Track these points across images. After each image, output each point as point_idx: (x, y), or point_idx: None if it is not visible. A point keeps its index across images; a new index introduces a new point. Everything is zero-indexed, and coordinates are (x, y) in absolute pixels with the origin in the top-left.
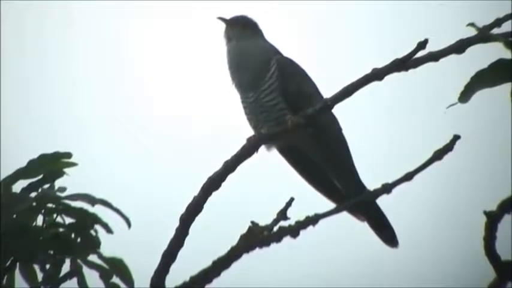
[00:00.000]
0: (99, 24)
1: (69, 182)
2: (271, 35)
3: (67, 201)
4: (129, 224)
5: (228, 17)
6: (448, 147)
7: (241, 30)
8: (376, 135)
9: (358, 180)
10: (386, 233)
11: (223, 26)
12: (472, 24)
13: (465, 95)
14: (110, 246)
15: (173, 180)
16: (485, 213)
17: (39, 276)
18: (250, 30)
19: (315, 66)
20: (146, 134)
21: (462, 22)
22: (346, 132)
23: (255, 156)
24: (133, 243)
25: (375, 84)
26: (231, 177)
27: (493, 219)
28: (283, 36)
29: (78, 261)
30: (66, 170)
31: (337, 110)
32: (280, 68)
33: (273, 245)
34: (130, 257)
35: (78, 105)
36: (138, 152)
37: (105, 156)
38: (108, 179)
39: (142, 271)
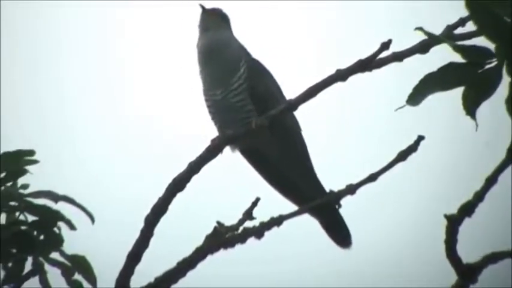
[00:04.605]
0: (87, 22)
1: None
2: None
3: (30, 199)
4: (92, 220)
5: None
6: (412, 148)
7: (220, 23)
8: (341, 136)
9: (317, 182)
10: (340, 233)
11: (199, 14)
12: (420, 29)
13: (414, 98)
14: (76, 245)
15: (139, 180)
16: (446, 216)
17: (2, 274)
18: (226, 25)
19: (282, 65)
20: (111, 133)
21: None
22: (311, 133)
23: (219, 157)
24: (101, 243)
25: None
26: (196, 178)
27: (453, 223)
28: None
29: (40, 258)
30: (29, 167)
31: (302, 111)
32: (250, 70)
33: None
34: (98, 256)
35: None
36: (103, 152)
37: (70, 154)
38: (71, 177)
39: (110, 270)
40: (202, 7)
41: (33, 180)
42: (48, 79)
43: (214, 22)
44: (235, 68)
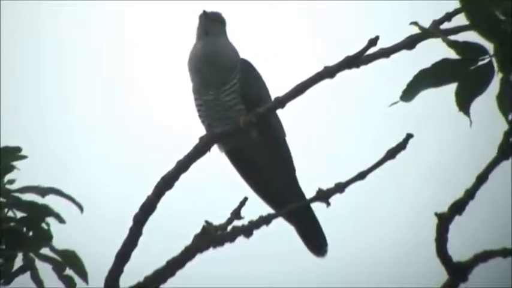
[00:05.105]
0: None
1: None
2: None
3: (17, 194)
4: (81, 210)
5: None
6: (400, 146)
7: (219, 27)
8: (330, 134)
9: (298, 189)
10: (317, 241)
11: (199, 18)
12: (415, 23)
13: (408, 94)
14: (67, 243)
15: (128, 177)
16: (436, 214)
17: None
18: (224, 29)
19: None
20: (102, 132)
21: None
22: (299, 131)
23: (208, 155)
24: (90, 241)
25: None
26: (184, 176)
27: (444, 221)
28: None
29: (31, 254)
30: (16, 163)
31: (290, 109)
32: (243, 71)
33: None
34: (88, 254)
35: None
36: (94, 150)
37: (60, 151)
38: (60, 174)
39: (99, 269)
40: (205, 12)
41: (23, 176)
42: (48, 79)
43: (214, 27)
44: (231, 71)
